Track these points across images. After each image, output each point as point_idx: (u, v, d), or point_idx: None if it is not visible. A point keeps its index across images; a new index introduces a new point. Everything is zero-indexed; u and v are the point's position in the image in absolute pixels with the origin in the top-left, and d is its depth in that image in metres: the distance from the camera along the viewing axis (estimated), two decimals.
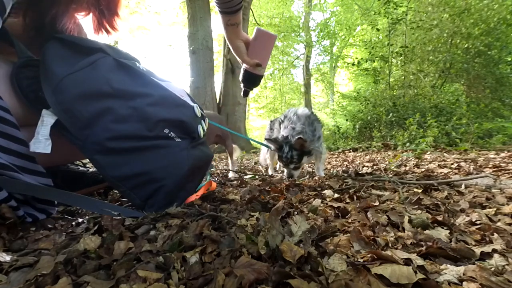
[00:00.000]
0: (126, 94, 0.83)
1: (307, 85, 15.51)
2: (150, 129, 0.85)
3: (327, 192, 1.14)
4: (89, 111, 0.77)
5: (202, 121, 1.07)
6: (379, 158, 3.16)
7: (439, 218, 0.74)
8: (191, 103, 1.04)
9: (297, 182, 1.47)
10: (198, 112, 1.04)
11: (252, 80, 1.23)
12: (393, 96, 6.92)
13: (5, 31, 0.76)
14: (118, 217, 0.74)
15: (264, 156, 2.35)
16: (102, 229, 0.67)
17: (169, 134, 0.90)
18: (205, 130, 1.08)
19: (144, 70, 0.96)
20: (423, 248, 0.56)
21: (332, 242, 0.61)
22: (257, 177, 1.90)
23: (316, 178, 1.67)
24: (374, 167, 2.26)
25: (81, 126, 0.76)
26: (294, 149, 1.78)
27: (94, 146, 0.78)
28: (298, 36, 16.01)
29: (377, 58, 7.60)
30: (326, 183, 1.36)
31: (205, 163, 1.07)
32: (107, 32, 0.98)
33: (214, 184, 1.12)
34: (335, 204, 0.91)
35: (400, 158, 2.57)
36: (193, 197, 1.00)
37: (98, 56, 0.84)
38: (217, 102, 7.43)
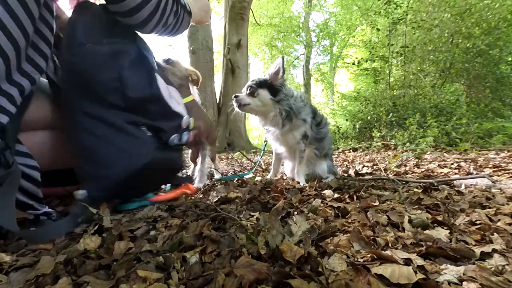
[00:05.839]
0: (126, 84, 0.86)
1: (307, 85, 15.52)
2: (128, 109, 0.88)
3: (327, 192, 1.14)
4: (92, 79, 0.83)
5: (185, 133, 1.06)
6: (379, 158, 3.16)
7: (439, 218, 0.74)
8: (183, 114, 1.05)
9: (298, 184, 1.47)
10: (184, 124, 1.04)
11: None
12: (393, 96, 6.91)
13: None
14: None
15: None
16: (102, 229, 0.67)
17: (138, 122, 0.90)
18: (182, 142, 1.05)
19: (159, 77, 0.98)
20: (423, 248, 0.56)
21: (332, 242, 0.61)
22: (257, 178, 1.89)
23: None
24: (374, 167, 2.26)
25: (78, 88, 0.83)
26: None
27: (81, 109, 0.84)
28: (298, 36, 16.00)
29: (377, 58, 7.59)
30: (326, 182, 1.36)
31: (165, 167, 1.04)
32: None
33: (192, 188, 1.11)
34: (335, 204, 0.91)
35: (400, 158, 2.57)
36: (162, 197, 1.03)
37: (124, 43, 0.90)
38: (217, 102, 7.43)
